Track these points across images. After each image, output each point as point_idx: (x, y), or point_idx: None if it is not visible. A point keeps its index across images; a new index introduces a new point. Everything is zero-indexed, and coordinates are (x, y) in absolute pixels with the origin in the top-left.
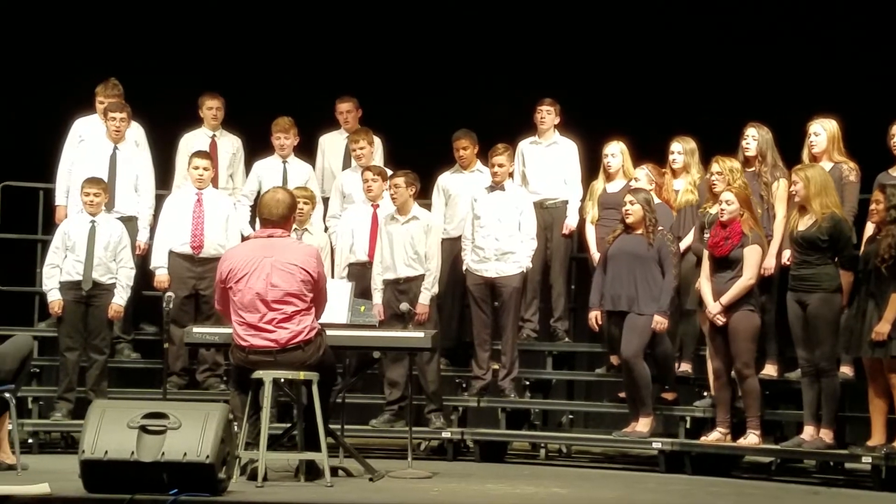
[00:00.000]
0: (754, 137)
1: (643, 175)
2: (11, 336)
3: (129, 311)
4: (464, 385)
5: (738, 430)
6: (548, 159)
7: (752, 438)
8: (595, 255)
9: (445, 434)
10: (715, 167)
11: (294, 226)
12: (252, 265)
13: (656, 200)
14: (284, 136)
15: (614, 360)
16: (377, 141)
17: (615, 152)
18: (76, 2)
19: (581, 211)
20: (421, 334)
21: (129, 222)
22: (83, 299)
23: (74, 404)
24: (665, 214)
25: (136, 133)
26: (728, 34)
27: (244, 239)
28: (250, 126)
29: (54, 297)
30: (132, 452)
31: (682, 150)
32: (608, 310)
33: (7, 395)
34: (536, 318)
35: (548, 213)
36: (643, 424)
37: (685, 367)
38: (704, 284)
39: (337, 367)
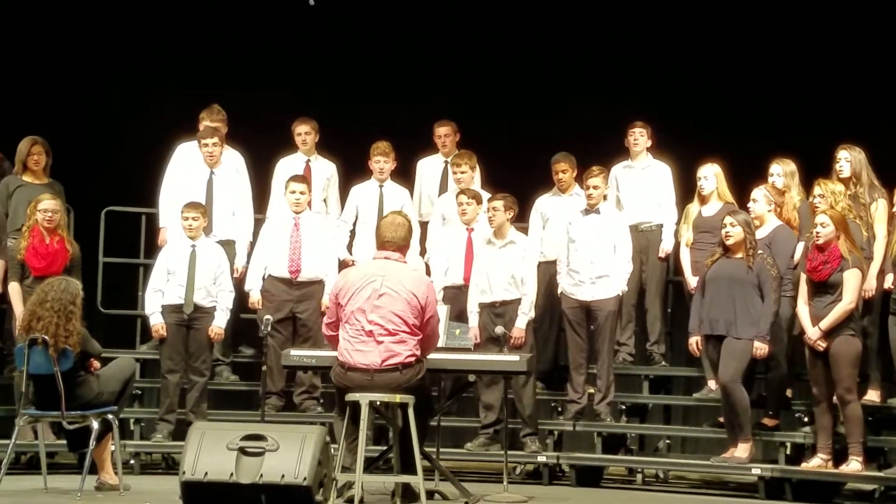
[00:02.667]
0: (847, 159)
1: (761, 196)
2: (115, 358)
3: (228, 334)
4: (559, 409)
5: (839, 457)
6: (641, 183)
7: (854, 465)
8: (690, 278)
9: (541, 458)
10: (817, 190)
11: None
12: (364, 282)
13: (777, 221)
14: (384, 159)
15: (712, 384)
16: None
17: (709, 175)
18: (179, 30)
19: (676, 234)
20: (516, 358)
21: (227, 246)
22: (184, 322)
23: (175, 426)
24: (786, 235)
25: (235, 159)
26: (824, 53)
27: (342, 264)
28: (345, 151)
29: (157, 321)
30: (231, 474)
31: (781, 171)
32: (706, 334)
33: (110, 416)
34: (632, 342)
35: (642, 237)
36: (742, 450)
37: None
38: (802, 309)
39: (433, 391)
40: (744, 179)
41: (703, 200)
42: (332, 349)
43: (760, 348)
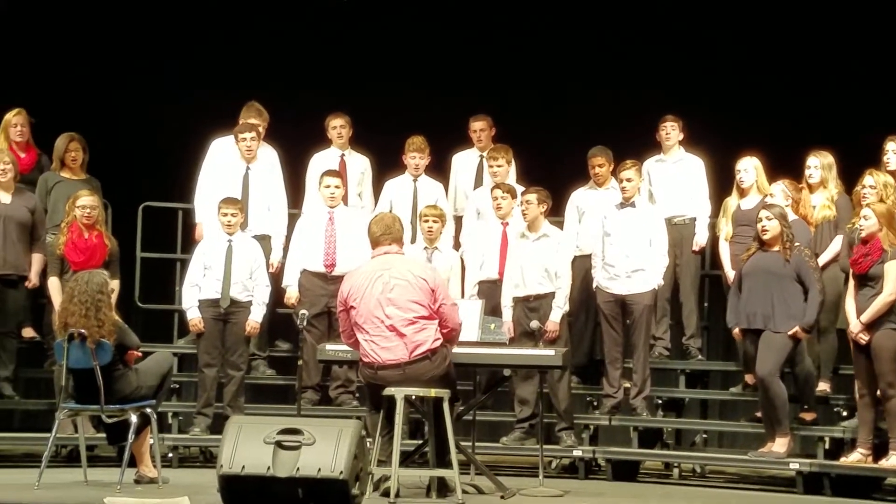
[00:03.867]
0: (895, 152)
1: (779, 190)
2: (152, 353)
3: (265, 329)
4: (595, 403)
5: (880, 452)
6: (674, 176)
7: (894, 460)
8: (729, 272)
9: (577, 452)
10: (868, 180)
11: (425, 244)
12: (370, 280)
13: (792, 216)
14: (419, 155)
15: (749, 378)
16: None
17: (748, 168)
18: (215, 26)
19: (714, 228)
20: (552, 352)
21: (263, 241)
22: (221, 317)
23: (212, 419)
24: (802, 230)
25: (270, 155)
26: (862, 45)
27: None
28: (379, 145)
29: (194, 315)
30: (268, 467)
31: (818, 164)
32: (743, 328)
33: (149, 410)
34: (668, 336)
35: (676, 231)
36: (780, 444)
37: (823, 387)
38: (849, 303)
39: (467, 385)
40: (779, 172)
41: (743, 193)
42: None
43: (801, 334)
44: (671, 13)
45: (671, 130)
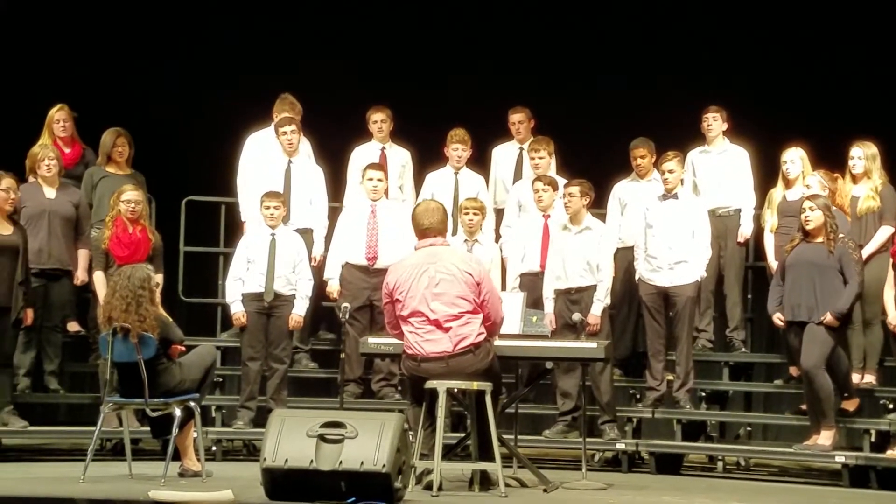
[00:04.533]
0: None
1: (815, 182)
2: (196, 346)
3: (307, 322)
4: (638, 396)
5: None
6: (718, 167)
7: None
8: (773, 263)
9: (620, 445)
10: None
11: (465, 237)
12: (417, 273)
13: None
14: (462, 147)
15: (794, 370)
16: None
17: (794, 158)
18: (255, 18)
19: (759, 219)
20: (594, 345)
21: (305, 234)
22: (265, 310)
23: (255, 413)
24: (840, 222)
25: (305, 147)
26: None
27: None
28: (419, 138)
29: (237, 309)
30: (311, 461)
31: (862, 154)
32: (787, 320)
33: (192, 403)
34: (711, 328)
35: (720, 222)
36: (825, 437)
37: (869, 379)
38: (888, 294)
39: (509, 378)
40: (823, 163)
41: (788, 185)
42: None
43: (831, 322)
44: (716, 4)
45: (713, 121)
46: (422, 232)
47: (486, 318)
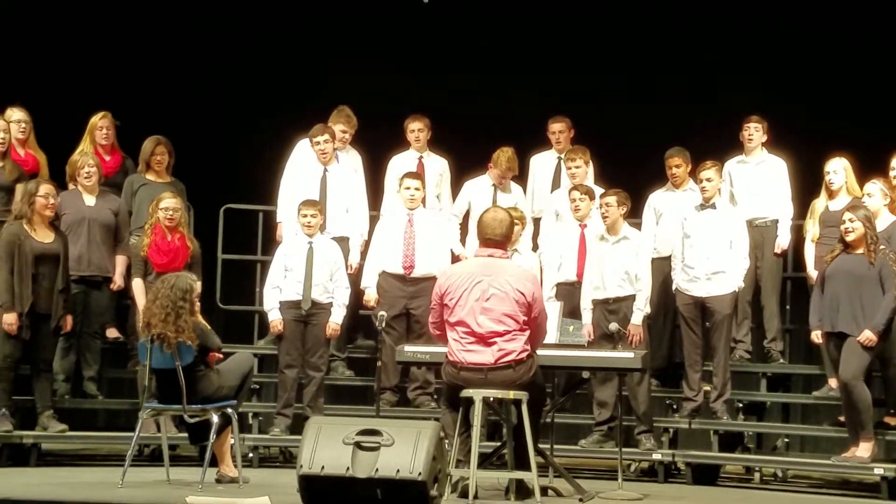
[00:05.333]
0: None
1: (876, 189)
2: (233, 353)
3: (344, 330)
4: (674, 406)
5: None
6: (756, 178)
7: None
8: (814, 274)
9: (656, 455)
10: None
11: None
12: (470, 283)
13: (892, 216)
14: (509, 171)
15: (834, 382)
16: None
17: (838, 169)
18: (294, 28)
19: (798, 229)
20: (631, 355)
21: (342, 242)
22: (302, 318)
23: (292, 420)
24: None
25: (353, 159)
26: None
27: (454, 257)
28: (457, 147)
29: (275, 317)
30: (347, 468)
31: None
32: (827, 331)
33: (230, 410)
34: (749, 339)
35: (758, 233)
36: (864, 449)
37: None
38: None
39: (546, 388)
40: (865, 174)
41: (831, 195)
42: (442, 345)
43: (870, 340)
44: (754, 11)
45: (755, 132)
46: (484, 240)
47: (531, 335)
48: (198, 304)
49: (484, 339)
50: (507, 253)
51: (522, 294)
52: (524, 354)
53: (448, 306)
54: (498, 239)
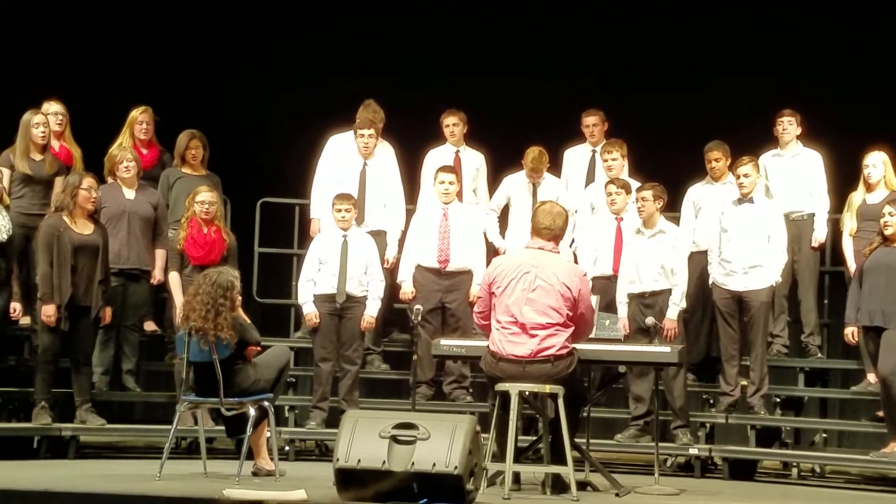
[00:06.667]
0: None
1: None
2: (269, 347)
3: (379, 323)
4: (711, 401)
5: None
6: (792, 171)
7: None
8: (853, 267)
9: (693, 450)
10: None
11: None
12: (518, 272)
13: None
14: (535, 172)
15: (871, 377)
16: None
17: (876, 163)
18: (330, 21)
19: (836, 223)
20: (667, 349)
21: (378, 236)
22: (337, 312)
23: (328, 413)
24: None
25: (385, 151)
26: None
27: (494, 251)
28: (493, 141)
29: (310, 310)
30: (384, 461)
31: None
32: (864, 325)
33: (266, 403)
34: (786, 334)
35: (794, 226)
36: None
37: None
38: None
39: (584, 383)
40: None
41: (870, 188)
42: (482, 338)
43: None
44: (787, 4)
45: (788, 125)
46: (537, 231)
47: (575, 328)
48: (239, 299)
49: (526, 330)
50: (557, 248)
51: (568, 289)
52: (564, 351)
53: (495, 294)
54: (551, 231)
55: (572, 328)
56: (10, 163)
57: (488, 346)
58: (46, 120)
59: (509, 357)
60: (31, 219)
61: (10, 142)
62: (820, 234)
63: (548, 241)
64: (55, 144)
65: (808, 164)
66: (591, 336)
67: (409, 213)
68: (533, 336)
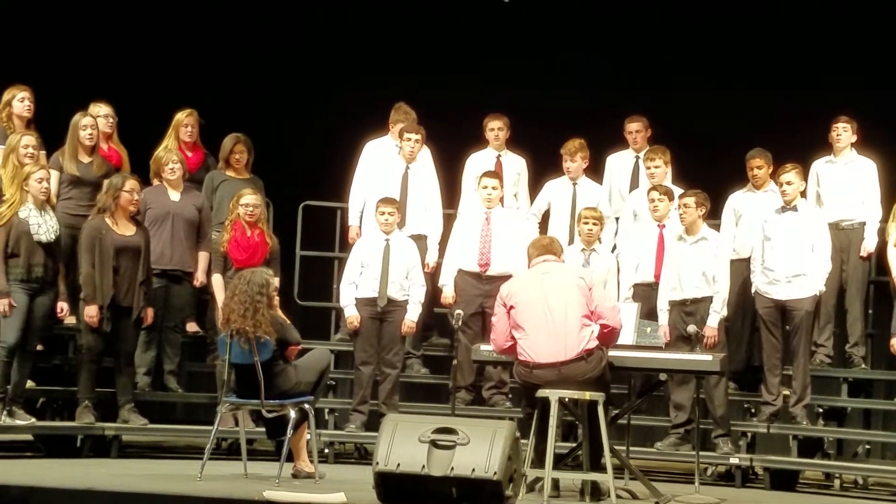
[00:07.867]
0: None
1: None
2: (311, 349)
3: (420, 328)
4: (752, 410)
5: None
6: (844, 179)
7: None
8: None
9: (734, 460)
10: None
11: (582, 246)
12: (533, 281)
13: None
14: (570, 159)
15: None
16: None
17: None
18: (370, 27)
19: (882, 233)
20: (709, 357)
21: (419, 241)
22: (378, 315)
23: (367, 416)
24: None
25: (424, 155)
26: None
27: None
28: (535, 146)
29: (351, 313)
30: (423, 466)
31: None
32: None
33: (307, 406)
34: (830, 344)
35: (844, 235)
36: None
37: None
38: None
39: (623, 389)
40: None
41: None
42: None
43: None
44: (840, 10)
45: (843, 132)
46: (539, 254)
47: (604, 326)
48: (276, 298)
49: (554, 329)
50: (560, 259)
51: (582, 279)
52: (592, 345)
53: (514, 306)
54: (551, 252)
55: (594, 323)
56: (58, 164)
57: (517, 358)
58: (94, 122)
59: (542, 363)
60: (78, 220)
61: (60, 144)
62: (870, 244)
63: (548, 255)
64: (104, 146)
65: (862, 172)
66: (631, 343)
67: (447, 218)
68: (561, 334)
